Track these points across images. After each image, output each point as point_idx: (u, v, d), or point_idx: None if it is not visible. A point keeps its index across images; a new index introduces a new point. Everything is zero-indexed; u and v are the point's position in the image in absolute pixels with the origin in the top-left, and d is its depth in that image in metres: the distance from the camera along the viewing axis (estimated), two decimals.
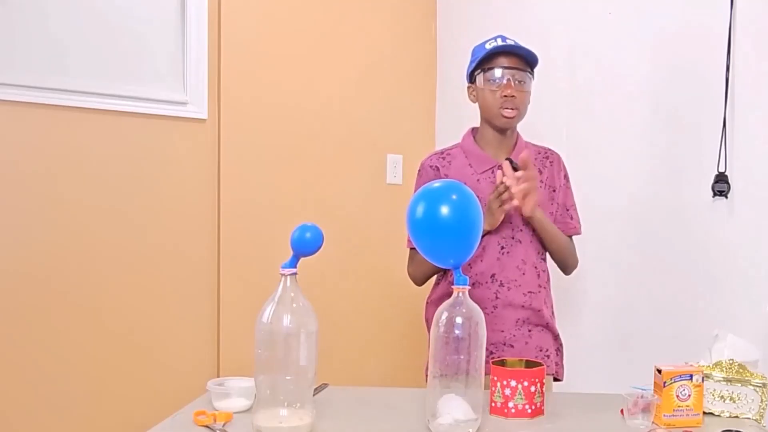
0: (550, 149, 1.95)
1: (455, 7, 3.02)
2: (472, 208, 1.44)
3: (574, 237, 1.94)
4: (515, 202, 1.71)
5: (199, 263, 2.45)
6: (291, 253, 1.42)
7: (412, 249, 1.86)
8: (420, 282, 1.94)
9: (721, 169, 2.15)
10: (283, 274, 1.39)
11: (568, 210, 1.92)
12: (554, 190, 1.90)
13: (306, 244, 1.42)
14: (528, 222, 1.83)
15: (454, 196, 1.42)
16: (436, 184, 1.49)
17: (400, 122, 2.96)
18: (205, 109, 2.44)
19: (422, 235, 1.45)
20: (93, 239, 2.22)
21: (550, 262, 1.95)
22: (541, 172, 1.89)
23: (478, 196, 1.48)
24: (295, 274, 1.40)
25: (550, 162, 1.92)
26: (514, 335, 1.84)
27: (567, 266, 1.95)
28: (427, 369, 1.87)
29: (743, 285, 2.11)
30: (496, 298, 1.82)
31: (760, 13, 2.09)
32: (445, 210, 1.40)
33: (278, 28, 2.60)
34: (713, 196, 2.17)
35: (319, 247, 1.44)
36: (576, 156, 2.44)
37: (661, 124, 2.33)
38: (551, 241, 1.86)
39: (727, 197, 2.15)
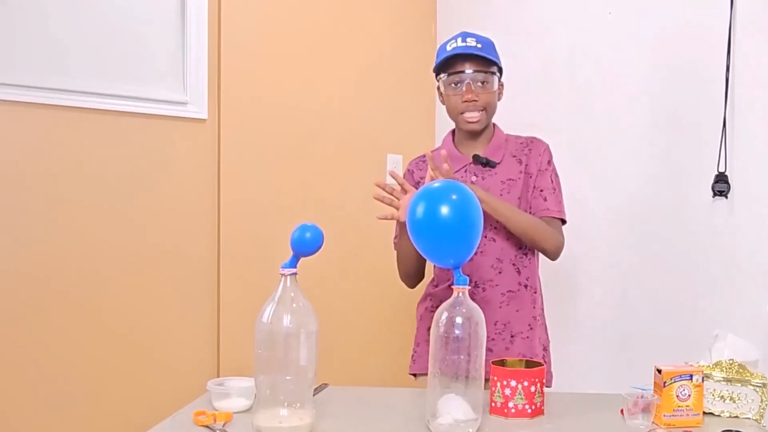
0: (533, 138, 1.89)
1: (455, 7, 3.02)
2: (472, 208, 1.44)
3: (566, 228, 1.85)
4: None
5: (199, 263, 2.45)
6: (291, 253, 1.42)
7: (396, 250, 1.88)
8: (410, 282, 1.90)
9: (721, 169, 2.15)
10: (283, 274, 1.39)
11: (542, 191, 1.82)
12: (530, 176, 1.83)
13: (306, 244, 1.42)
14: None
15: (454, 196, 1.42)
16: (436, 184, 1.49)
17: (400, 122, 2.96)
18: (205, 109, 2.44)
19: (422, 235, 1.45)
20: (93, 239, 2.22)
21: (564, 255, 1.86)
22: (520, 162, 1.84)
23: None
24: (295, 274, 1.40)
25: (529, 149, 1.85)
26: (492, 339, 1.79)
27: (544, 250, 1.82)
28: (410, 365, 1.87)
29: (743, 285, 2.11)
30: (472, 299, 1.80)
31: (760, 13, 2.09)
32: (445, 210, 1.40)
33: (278, 28, 2.61)
34: (713, 196, 2.17)
35: (319, 247, 1.44)
36: (576, 156, 2.44)
37: (661, 124, 2.33)
38: (507, 221, 1.75)
39: (727, 197, 2.15)
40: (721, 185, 2.14)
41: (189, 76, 2.40)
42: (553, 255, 1.84)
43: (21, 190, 2.10)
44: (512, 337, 1.82)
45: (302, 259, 1.43)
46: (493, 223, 1.79)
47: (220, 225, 2.48)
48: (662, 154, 2.32)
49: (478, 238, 1.45)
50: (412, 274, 1.89)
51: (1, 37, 2.06)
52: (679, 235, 2.28)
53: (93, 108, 2.21)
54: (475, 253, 1.74)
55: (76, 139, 2.19)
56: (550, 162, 1.87)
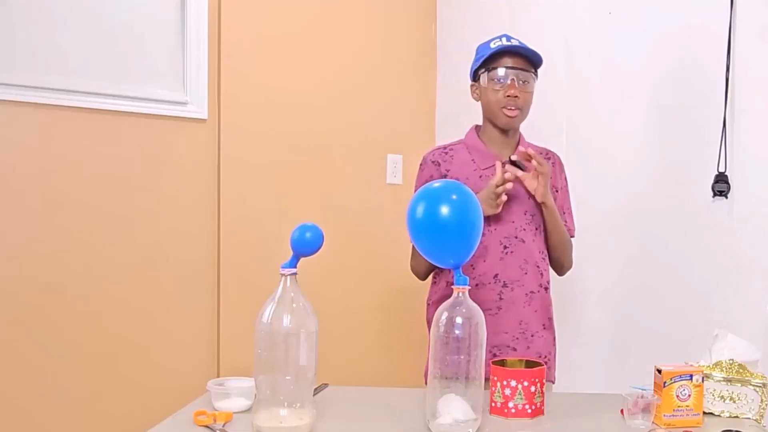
0: (550, 150, 1.96)
1: (455, 7, 3.02)
2: (472, 208, 1.44)
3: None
4: (504, 195, 1.74)
5: (199, 263, 2.45)
6: (291, 253, 1.42)
7: None
8: (422, 276, 1.93)
9: (721, 169, 2.14)
10: (283, 274, 1.39)
11: (564, 213, 1.93)
12: (557, 191, 1.91)
13: (306, 244, 1.42)
14: (531, 220, 1.83)
15: (454, 196, 1.42)
16: (436, 184, 1.49)
17: (400, 122, 2.96)
18: (205, 109, 2.44)
19: (422, 235, 1.45)
20: (93, 239, 2.22)
21: None
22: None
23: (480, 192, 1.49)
24: (295, 274, 1.40)
25: (552, 163, 1.92)
26: (516, 338, 1.83)
27: (563, 265, 1.94)
28: (426, 371, 1.88)
29: (743, 285, 2.11)
30: (500, 299, 1.82)
31: (760, 14, 2.09)
32: (445, 210, 1.40)
33: (278, 28, 2.60)
34: (713, 196, 2.17)
35: (319, 247, 1.44)
36: (576, 156, 2.44)
37: (661, 124, 2.33)
38: (556, 232, 1.86)
39: (727, 197, 2.15)
40: (721, 185, 2.14)
41: (189, 76, 2.40)
42: (566, 272, 1.98)
43: (20, 190, 2.10)
44: (532, 336, 1.85)
45: (302, 259, 1.43)
46: (522, 225, 1.83)
47: (220, 225, 2.48)
48: (662, 154, 2.32)
49: (478, 238, 1.45)
50: (429, 268, 1.90)
51: (1, 37, 2.06)
52: (679, 235, 2.28)
53: (93, 108, 2.21)
54: (506, 253, 1.80)
55: (76, 139, 2.19)
56: (566, 179, 1.97)
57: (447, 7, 3.05)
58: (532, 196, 1.82)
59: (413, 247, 1.88)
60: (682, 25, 2.27)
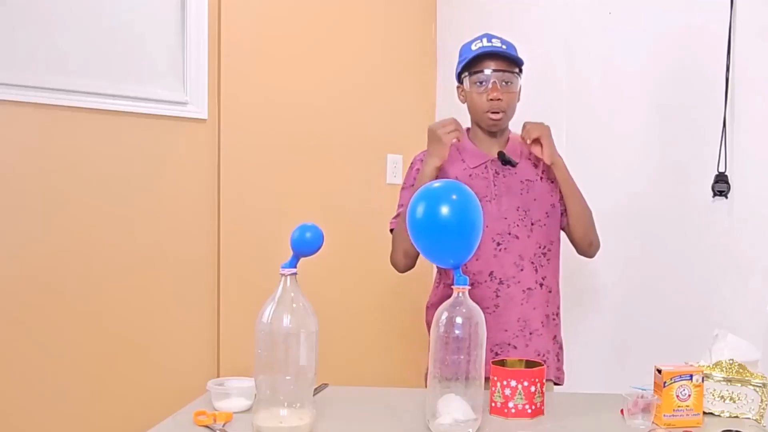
0: None
1: (455, 7, 3.02)
2: (472, 208, 1.44)
3: None
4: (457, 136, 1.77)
5: (199, 263, 2.45)
6: (291, 253, 1.42)
7: (391, 231, 1.88)
8: (406, 263, 1.86)
9: (721, 169, 2.14)
10: (283, 274, 1.39)
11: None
12: (552, 182, 1.90)
13: (306, 244, 1.42)
14: (524, 215, 1.82)
15: (454, 196, 1.42)
16: (436, 184, 1.49)
17: (400, 122, 2.96)
18: (205, 109, 2.44)
19: (422, 235, 1.45)
20: (93, 239, 2.22)
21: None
22: (536, 166, 1.89)
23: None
24: (295, 274, 1.40)
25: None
26: (516, 336, 1.83)
27: (591, 242, 1.90)
28: (427, 373, 1.87)
29: (743, 285, 2.11)
30: (497, 296, 1.82)
31: (760, 14, 2.08)
32: (445, 210, 1.40)
33: (278, 28, 2.61)
34: (713, 196, 2.17)
35: (319, 247, 1.44)
36: (576, 156, 2.44)
37: (661, 124, 2.33)
38: (574, 198, 1.85)
39: (727, 197, 2.14)
40: (721, 185, 2.14)
41: (189, 76, 2.40)
42: (595, 250, 1.94)
43: (20, 190, 2.10)
44: (530, 334, 1.85)
45: (302, 259, 1.43)
46: (515, 221, 1.82)
47: (220, 225, 2.48)
48: (662, 154, 2.32)
49: (478, 238, 1.45)
50: (413, 254, 1.83)
51: (1, 37, 2.06)
52: (679, 235, 2.27)
53: (93, 108, 2.21)
54: (499, 250, 1.79)
55: (76, 139, 2.20)
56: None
57: (447, 7, 3.05)
58: (529, 181, 1.82)
59: (393, 238, 1.88)
60: (682, 25, 2.27)
